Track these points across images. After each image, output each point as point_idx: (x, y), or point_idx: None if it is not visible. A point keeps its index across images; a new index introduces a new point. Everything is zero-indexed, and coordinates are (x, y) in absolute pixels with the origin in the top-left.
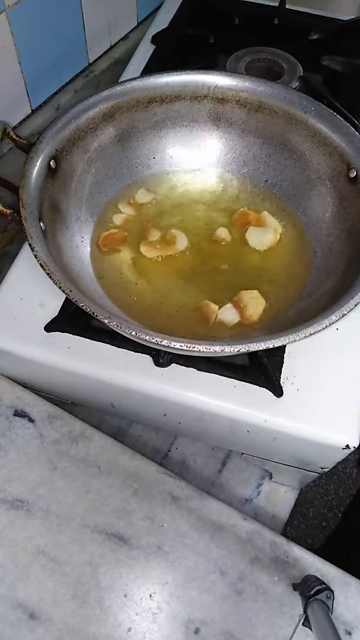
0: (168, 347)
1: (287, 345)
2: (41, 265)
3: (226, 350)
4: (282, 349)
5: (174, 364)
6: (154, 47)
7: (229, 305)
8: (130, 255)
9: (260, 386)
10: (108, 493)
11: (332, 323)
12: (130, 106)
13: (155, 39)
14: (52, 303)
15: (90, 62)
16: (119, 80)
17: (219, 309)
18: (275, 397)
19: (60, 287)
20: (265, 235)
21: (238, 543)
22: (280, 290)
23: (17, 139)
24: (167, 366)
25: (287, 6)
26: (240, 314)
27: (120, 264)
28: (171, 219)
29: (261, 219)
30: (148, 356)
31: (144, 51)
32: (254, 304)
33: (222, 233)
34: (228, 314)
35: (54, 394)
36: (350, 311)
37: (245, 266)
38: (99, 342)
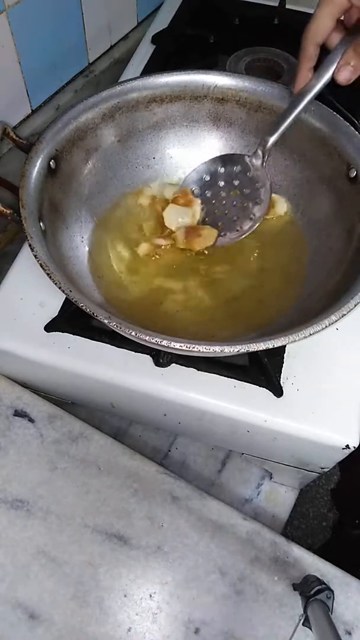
0: (168, 347)
1: (287, 345)
2: (41, 265)
3: (226, 350)
4: (282, 349)
5: (174, 364)
6: (154, 47)
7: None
8: (129, 254)
9: (260, 386)
10: (108, 493)
11: (332, 323)
12: (130, 106)
13: (155, 39)
14: (52, 303)
15: (90, 62)
16: (119, 80)
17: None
18: (275, 397)
19: (60, 287)
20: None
21: (238, 543)
22: (280, 290)
23: (17, 139)
24: (167, 366)
25: (287, 6)
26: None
27: (120, 264)
28: None
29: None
30: (148, 356)
31: (144, 51)
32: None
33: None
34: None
35: (54, 394)
36: (350, 311)
37: (245, 266)
38: (99, 342)
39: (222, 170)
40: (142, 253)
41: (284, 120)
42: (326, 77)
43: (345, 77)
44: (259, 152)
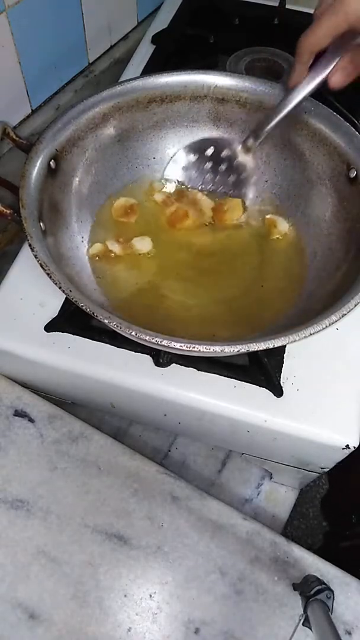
0: (168, 347)
1: (287, 345)
2: (41, 266)
3: (226, 350)
4: (282, 349)
5: (174, 364)
6: (154, 47)
7: None
8: (129, 254)
9: (260, 386)
10: (108, 493)
11: (332, 323)
12: (130, 106)
13: (155, 39)
14: (52, 303)
15: (90, 62)
16: (119, 80)
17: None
18: (275, 397)
19: (60, 287)
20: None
21: (238, 543)
22: (280, 290)
23: (17, 139)
24: (167, 366)
25: (287, 6)
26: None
27: (119, 263)
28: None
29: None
30: (148, 356)
31: (144, 51)
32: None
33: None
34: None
35: (54, 394)
36: (350, 311)
37: (245, 266)
38: (99, 342)
39: (208, 154)
40: (92, 253)
41: (277, 113)
42: (322, 76)
43: (338, 80)
44: (250, 142)
